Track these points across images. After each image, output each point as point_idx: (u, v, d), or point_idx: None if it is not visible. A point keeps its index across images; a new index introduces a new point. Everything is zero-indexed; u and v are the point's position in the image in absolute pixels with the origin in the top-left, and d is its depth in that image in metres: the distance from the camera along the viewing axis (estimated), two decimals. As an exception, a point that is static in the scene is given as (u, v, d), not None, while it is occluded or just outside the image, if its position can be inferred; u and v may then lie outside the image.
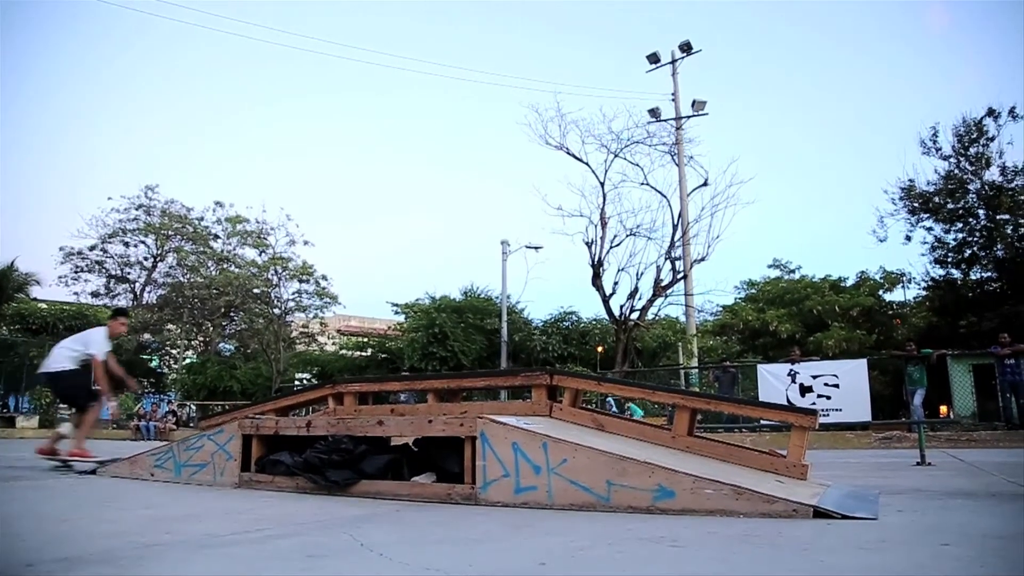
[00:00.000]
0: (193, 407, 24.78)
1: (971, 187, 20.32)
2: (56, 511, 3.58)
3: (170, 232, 29.51)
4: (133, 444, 14.00)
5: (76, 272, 29.92)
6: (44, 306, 28.39)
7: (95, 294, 30.61)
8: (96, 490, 4.59)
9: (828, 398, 12.37)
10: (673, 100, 21.81)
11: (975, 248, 20.76)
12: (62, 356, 6.07)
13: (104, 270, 30.65)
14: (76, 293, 30.03)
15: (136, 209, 29.54)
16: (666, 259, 18.97)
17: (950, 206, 20.67)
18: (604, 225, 19.09)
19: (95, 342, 6.10)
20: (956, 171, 20.43)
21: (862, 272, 24.14)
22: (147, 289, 30.94)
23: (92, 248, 29.70)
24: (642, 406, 15.50)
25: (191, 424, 20.85)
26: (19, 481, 5.22)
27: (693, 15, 65.18)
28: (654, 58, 22.49)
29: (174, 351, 32.93)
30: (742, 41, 65.03)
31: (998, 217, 19.87)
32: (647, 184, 19.57)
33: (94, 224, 29.35)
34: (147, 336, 30.96)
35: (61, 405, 23.03)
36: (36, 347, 22.56)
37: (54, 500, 4.11)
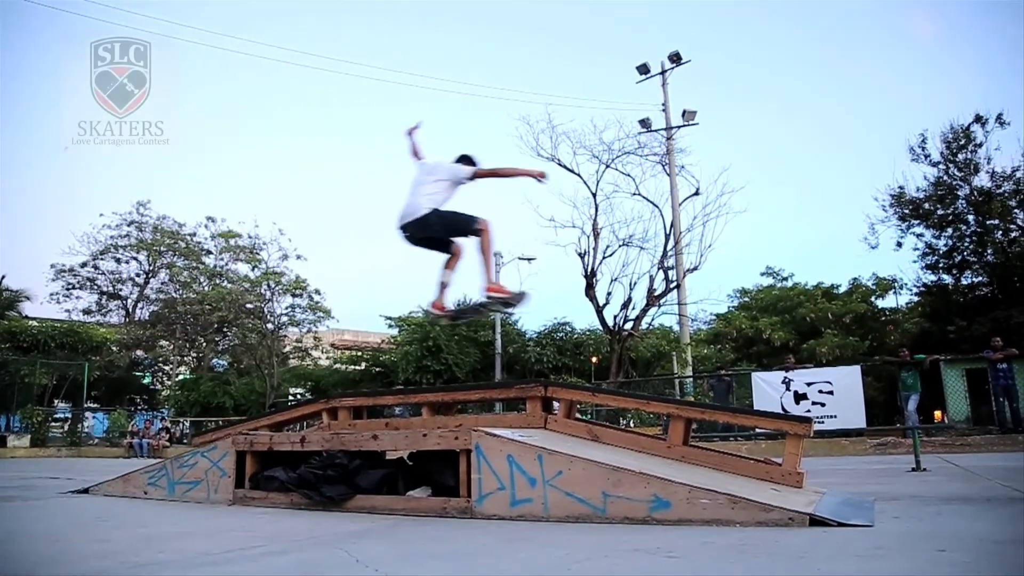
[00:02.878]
0: (186, 424, 24.57)
1: (960, 193, 20.47)
2: (49, 531, 3.55)
3: (162, 248, 29.43)
4: (126, 462, 13.89)
5: (68, 289, 29.77)
6: (35, 323, 28.20)
7: (87, 311, 30.45)
8: (89, 509, 4.55)
9: (823, 405, 12.40)
10: (664, 110, 21.95)
11: (966, 253, 20.90)
12: (419, 198, 4.85)
13: (96, 287, 30.53)
14: (68, 310, 29.88)
15: (128, 225, 29.44)
16: (659, 269, 19.04)
17: (940, 212, 20.81)
18: (596, 236, 19.14)
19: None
20: (945, 177, 20.58)
21: (854, 279, 24.28)
22: (139, 305, 30.82)
23: (84, 265, 29.57)
24: (637, 416, 15.49)
25: (184, 441, 20.69)
26: (11, 501, 5.17)
27: (685, 23, 65.75)
28: (644, 69, 22.63)
29: (167, 367, 32.72)
30: (735, 49, 65.52)
31: (988, 222, 20.03)
32: (639, 194, 19.66)
33: (85, 241, 29.23)
34: (140, 353, 30.82)
35: (53, 423, 22.90)
36: (27, 365, 22.41)
37: (47, 520, 4.08)
